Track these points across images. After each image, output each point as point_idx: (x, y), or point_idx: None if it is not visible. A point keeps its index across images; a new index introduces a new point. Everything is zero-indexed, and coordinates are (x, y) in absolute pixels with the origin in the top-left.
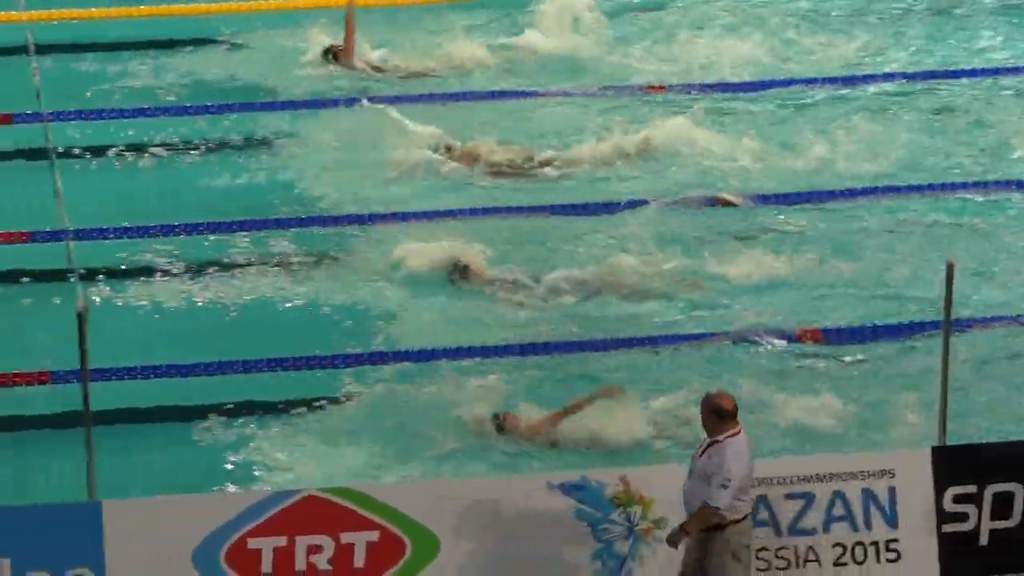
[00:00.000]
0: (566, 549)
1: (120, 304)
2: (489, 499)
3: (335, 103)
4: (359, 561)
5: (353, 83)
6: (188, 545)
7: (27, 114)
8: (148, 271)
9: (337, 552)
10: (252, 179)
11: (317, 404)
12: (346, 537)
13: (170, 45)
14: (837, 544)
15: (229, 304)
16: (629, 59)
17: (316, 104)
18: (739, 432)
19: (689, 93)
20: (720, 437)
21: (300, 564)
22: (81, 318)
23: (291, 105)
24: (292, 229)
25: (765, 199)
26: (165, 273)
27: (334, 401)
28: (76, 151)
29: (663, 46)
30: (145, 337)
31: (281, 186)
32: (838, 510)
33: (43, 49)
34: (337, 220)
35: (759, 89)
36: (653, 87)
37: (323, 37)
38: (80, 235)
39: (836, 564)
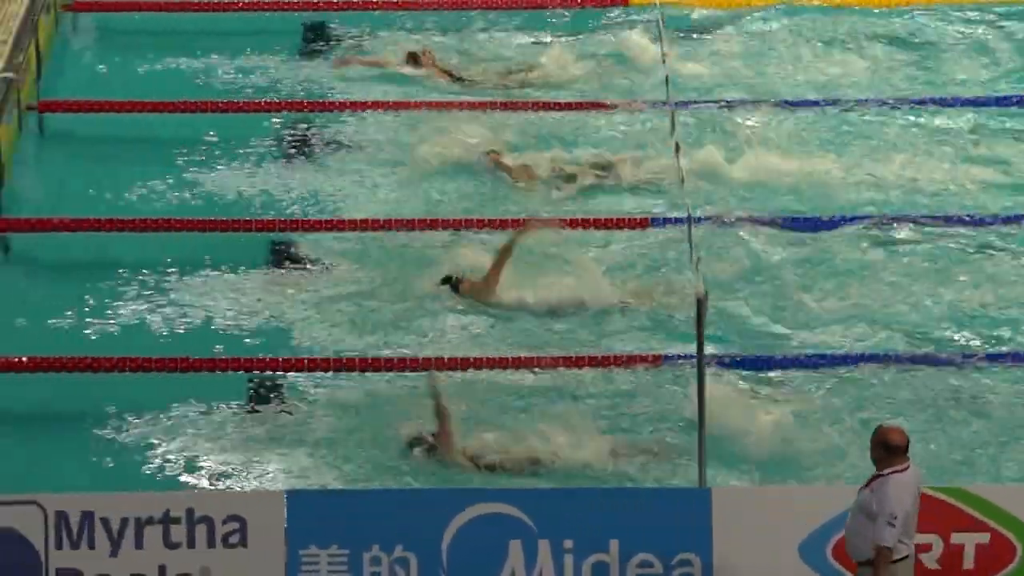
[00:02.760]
0: None
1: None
2: None
3: None
4: (968, 563)
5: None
6: (795, 536)
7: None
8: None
9: (945, 552)
10: None
11: None
12: (956, 538)
13: None
14: None
15: None
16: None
17: None
18: (907, 468)
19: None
20: (885, 471)
21: None
22: (700, 303)
23: None
24: None
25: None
26: None
27: None
28: None
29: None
30: None
31: None
32: None
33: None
34: None
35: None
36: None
37: None
38: (698, 221)
39: None
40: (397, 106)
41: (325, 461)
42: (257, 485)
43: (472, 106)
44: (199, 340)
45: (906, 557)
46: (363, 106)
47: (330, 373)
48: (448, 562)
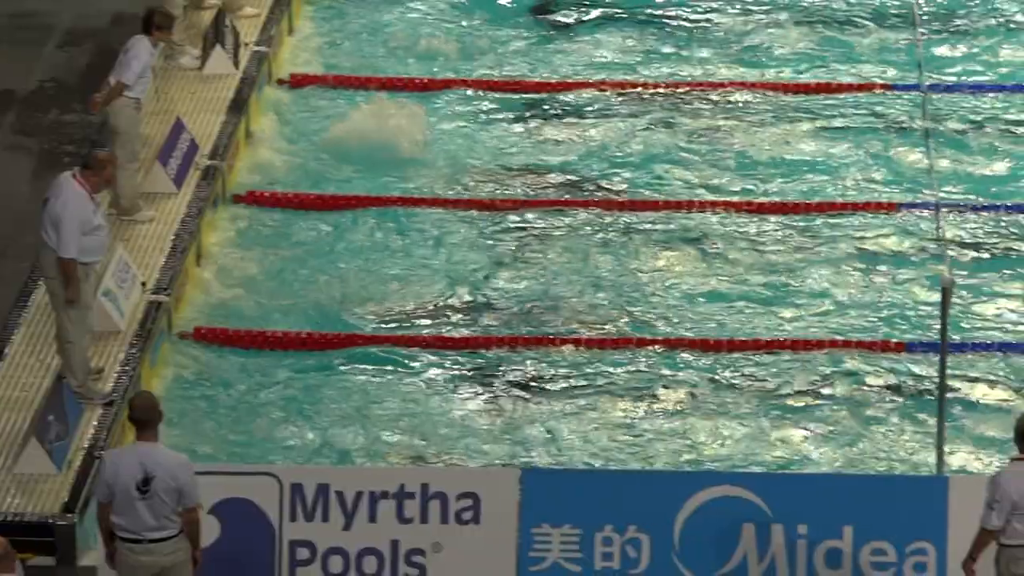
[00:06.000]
0: None
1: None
2: None
3: None
4: None
5: None
6: None
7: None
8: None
9: None
10: None
11: None
12: None
13: None
14: None
15: None
16: None
17: None
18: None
19: None
20: (1014, 457)
21: None
22: (945, 291)
23: None
24: None
25: None
26: None
27: None
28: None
29: None
30: None
31: None
32: None
33: None
34: None
35: None
36: None
37: None
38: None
39: None
40: None
41: None
42: None
43: None
44: None
45: (1021, 546)
46: None
47: None
48: (680, 544)
